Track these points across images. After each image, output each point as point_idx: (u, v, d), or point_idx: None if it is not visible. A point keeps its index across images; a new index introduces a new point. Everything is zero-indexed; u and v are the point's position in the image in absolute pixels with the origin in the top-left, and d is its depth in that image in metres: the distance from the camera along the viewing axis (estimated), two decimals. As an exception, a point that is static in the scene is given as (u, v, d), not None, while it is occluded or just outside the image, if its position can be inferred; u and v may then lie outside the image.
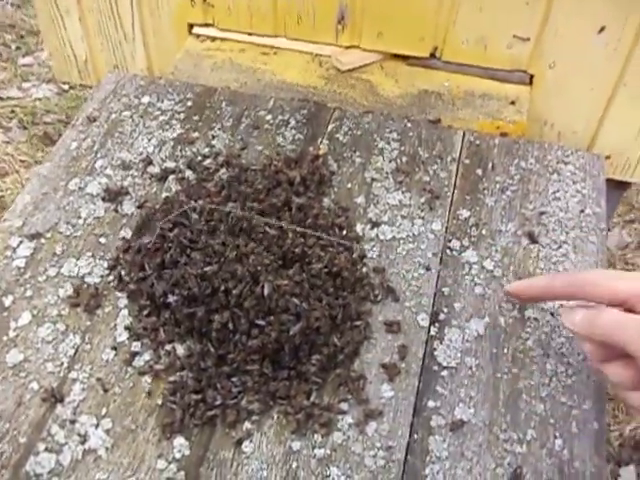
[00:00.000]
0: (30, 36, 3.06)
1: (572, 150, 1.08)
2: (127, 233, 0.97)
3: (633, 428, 1.62)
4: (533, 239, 0.95)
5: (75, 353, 0.84)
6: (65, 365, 0.83)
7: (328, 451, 0.75)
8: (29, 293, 0.89)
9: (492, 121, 1.17)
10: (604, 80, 1.20)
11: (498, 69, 1.23)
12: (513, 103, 1.20)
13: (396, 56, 1.27)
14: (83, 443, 0.76)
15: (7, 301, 0.88)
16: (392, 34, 1.23)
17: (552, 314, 0.87)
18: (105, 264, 0.93)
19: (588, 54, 1.17)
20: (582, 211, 1.00)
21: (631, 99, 1.21)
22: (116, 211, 1.00)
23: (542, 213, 0.99)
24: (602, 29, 1.13)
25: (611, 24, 1.13)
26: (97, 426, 0.78)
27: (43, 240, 0.96)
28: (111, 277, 0.91)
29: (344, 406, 0.78)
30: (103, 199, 1.02)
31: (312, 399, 0.77)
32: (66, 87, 2.80)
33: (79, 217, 0.99)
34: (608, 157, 1.28)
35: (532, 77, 1.23)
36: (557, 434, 0.77)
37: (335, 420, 0.77)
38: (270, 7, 1.26)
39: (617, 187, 1.37)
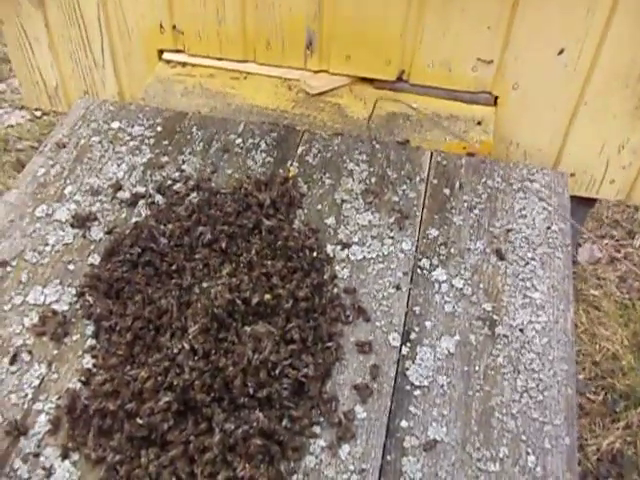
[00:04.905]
0: (3, 63, 3.04)
1: (537, 168, 1.11)
2: (95, 259, 0.96)
3: (610, 442, 1.62)
4: (501, 256, 0.97)
5: (40, 383, 0.82)
6: (30, 396, 0.81)
7: (301, 476, 0.74)
8: (-6, 323, 0.88)
9: (459, 141, 1.20)
10: (565, 99, 1.23)
11: (463, 91, 1.26)
12: (479, 123, 1.23)
13: (364, 79, 1.30)
14: (48, 477, 0.74)
15: (-30, 332, 0.86)
16: (360, 58, 1.25)
17: (521, 330, 0.88)
18: (73, 291, 0.92)
19: (549, 75, 1.21)
20: (548, 228, 1.02)
21: (592, 117, 1.24)
22: (84, 237, 0.99)
23: (509, 230, 1.01)
24: (561, 51, 1.17)
25: (570, 46, 1.17)
26: (64, 458, 0.76)
27: (9, 268, 0.94)
28: (79, 305, 0.90)
29: (316, 429, 0.77)
30: (72, 225, 1.01)
31: (284, 424, 0.76)
32: (39, 114, 2.78)
33: (46, 244, 0.98)
34: (573, 174, 1.31)
35: (497, 98, 1.26)
36: (530, 450, 0.77)
37: (307, 444, 0.76)
38: (239, 33, 1.28)
39: (583, 203, 1.40)
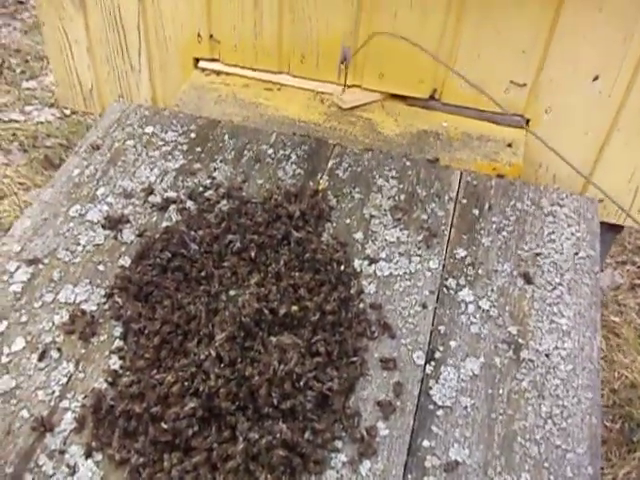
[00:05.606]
0: (35, 61, 3.11)
1: (567, 193, 1.10)
2: (126, 261, 0.97)
3: (626, 472, 1.60)
4: (528, 280, 0.96)
5: (68, 381, 0.83)
6: (57, 394, 0.82)
7: (321, 490, 0.74)
8: (24, 319, 0.89)
9: (489, 162, 1.20)
10: (598, 125, 1.23)
11: (495, 112, 1.26)
12: (510, 145, 1.23)
13: (396, 96, 1.31)
14: (72, 475, 0.75)
15: (1, 326, 0.87)
16: (393, 76, 1.26)
17: (547, 355, 0.88)
18: (102, 292, 0.93)
19: (583, 100, 1.21)
20: (576, 254, 1.01)
21: (625, 144, 1.24)
22: (116, 239, 1.01)
23: (537, 254, 1.00)
24: (596, 78, 1.17)
25: (605, 73, 1.17)
26: (88, 457, 0.76)
27: (41, 266, 0.96)
28: (107, 305, 0.91)
29: (338, 444, 0.78)
30: (103, 226, 1.02)
31: (306, 436, 0.76)
32: (68, 112, 2.83)
33: (78, 244, 1.00)
34: (601, 200, 1.30)
35: (528, 121, 1.26)
36: (552, 478, 0.77)
37: (329, 458, 0.76)
38: (275, 46, 1.30)
39: (610, 229, 1.39)
